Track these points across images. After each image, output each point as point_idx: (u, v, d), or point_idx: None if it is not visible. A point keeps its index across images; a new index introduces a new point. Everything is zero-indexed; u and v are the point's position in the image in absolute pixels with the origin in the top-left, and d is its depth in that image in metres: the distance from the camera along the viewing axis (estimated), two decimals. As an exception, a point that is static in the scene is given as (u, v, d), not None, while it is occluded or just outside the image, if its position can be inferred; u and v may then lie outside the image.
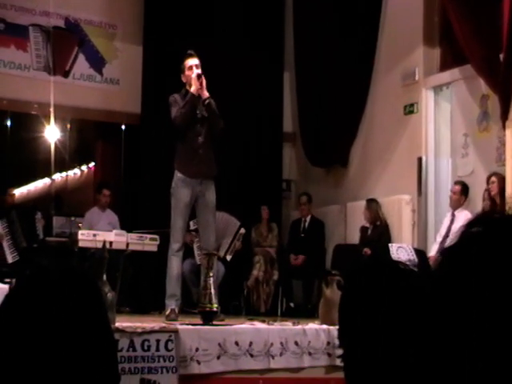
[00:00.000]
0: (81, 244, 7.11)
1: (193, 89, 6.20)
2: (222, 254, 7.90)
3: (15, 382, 1.19)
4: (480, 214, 0.87)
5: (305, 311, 8.22)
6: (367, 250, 8.08)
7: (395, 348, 1.45)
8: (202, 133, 6.25)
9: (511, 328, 0.76)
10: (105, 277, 4.88)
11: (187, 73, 6.24)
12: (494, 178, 7.15)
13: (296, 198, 10.06)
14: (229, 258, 8.17)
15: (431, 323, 0.83)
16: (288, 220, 9.95)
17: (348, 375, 1.54)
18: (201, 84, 6.17)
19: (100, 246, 6.33)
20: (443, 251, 0.88)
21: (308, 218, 9.30)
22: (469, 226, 0.85)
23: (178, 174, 6.25)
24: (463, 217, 7.43)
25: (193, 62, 6.25)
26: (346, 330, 1.55)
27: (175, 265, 6.17)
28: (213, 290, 5.44)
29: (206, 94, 6.21)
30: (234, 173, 9.55)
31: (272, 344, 5.14)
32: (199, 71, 6.21)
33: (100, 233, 7.22)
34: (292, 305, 8.87)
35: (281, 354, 5.16)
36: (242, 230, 8.30)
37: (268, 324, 5.58)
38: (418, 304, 0.88)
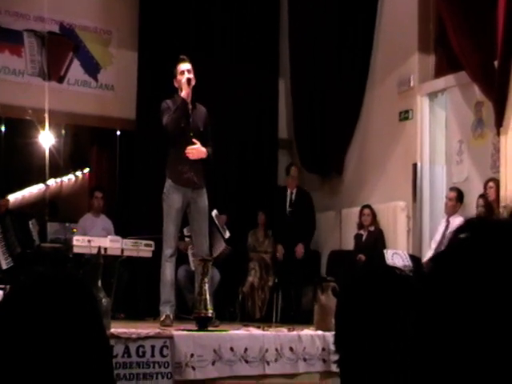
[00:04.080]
0: (75, 250, 7.09)
1: (183, 94, 6.20)
2: (219, 250, 7.81)
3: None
4: (469, 220, 0.88)
5: (297, 317, 8.19)
6: (362, 257, 8.08)
7: (392, 354, 1.45)
8: (193, 143, 6.23)
9: (501, 333, 0.77)
10: (100, 283, 4.87)
11: (179, 77, 6.24)
12: (491, 184, 7.16)
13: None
14: (228, 234, 8.09)
15: (422, 330, 0.84)
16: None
17: (344, 381, 1.53)
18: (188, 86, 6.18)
19: (95, 251, 6.31)
20: (433, 257, 0.89)
21: (294, 191, 9.05)
22: (458, 231, 0.85)
23: (169, 181, 6.26)
24: (458, 223, 7.40)
25: (185, 66, 6.24)
26: (343, 337, 1.55)
27: (168, 271, 6.17)
28: (208, 296, 5.43)
29: (203, 153, 6.22)
30: (229, 179, 9.56)
31: (267, 350, 5.15)
32: (190, 76, 6.20)
33: (95, 239, 7.21)
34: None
35: (276, 360, 5.16)
36: (213, 213, 8.03)
37: (263, 330, 5.58)
38: (413, 309, 0.88)
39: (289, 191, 9.07)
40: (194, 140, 6.21)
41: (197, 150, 6.19)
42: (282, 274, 8.83)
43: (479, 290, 0.78)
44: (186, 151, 6.16)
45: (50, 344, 1.17)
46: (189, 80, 6.18)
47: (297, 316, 8.21)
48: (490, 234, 0.82)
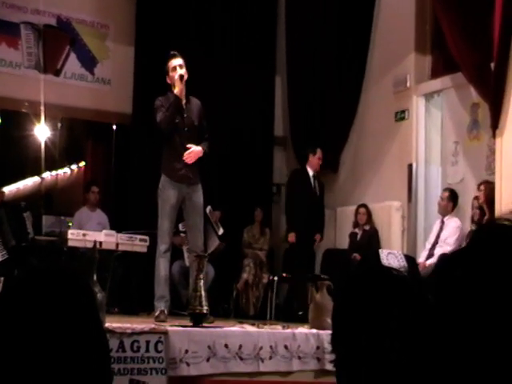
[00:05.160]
0: (70, 243, 7.09)
1: (176, 90, 6.18)
2: (213, 247, 7.81)
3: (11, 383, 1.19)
4: (484, 224, 0.89)
5: (291, 314, 8.20)
6: (356, 256, 8.10)
7: (388, 353, 1.46)
8: (188, 138, 6.22)
9: (507, 336, 0.78)
10: (95, 277, 4.87)
11: (171, 74, 6.20)
12: (482, 187, 7.19)
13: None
14: (221, 230, 8.06)
15: (432, 332, 0.85)
16: (278, 224, 9.94)
17: (340, 381, 1.55)
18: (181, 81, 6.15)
19: (89, 245, 6.30)
20: (447, 256, 0.90)
21: (316, 174, 8.72)
22: (478, 233, 0.86)
23: (164, 177, 6.25)
24: (452, 224, 7.48)
25: (176, 62, 6.20)
26: (340, 336, 1.56)
27: (163, 266, 6.16)
28: (203, 293, 5.43)
29: (200, 152, 6.19)
30: (225, 175, 9.56)
31: (261, 347, 5.15)
32: (182, 72, 6.17)
33: (90, 233, 7.21)
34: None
35: (270, 358, 5.16)
36: (207, 209, 7.98)
37: (258, 327, 5.58)
38: (416, 311, 0.89)
39: (311, 173, 8.68)
40: (188, 145, 6.17)
41: (193, 153, 6.17)
42: (280, 270, 8.80)
43: (493, 289, 0.79)
44: (184, 158, 6.13)
45: (47, 338, 1.18)
46: (181, 76, 6.15)
47: (291, 314, 8.22)
48: (503, 239, 0.83)
